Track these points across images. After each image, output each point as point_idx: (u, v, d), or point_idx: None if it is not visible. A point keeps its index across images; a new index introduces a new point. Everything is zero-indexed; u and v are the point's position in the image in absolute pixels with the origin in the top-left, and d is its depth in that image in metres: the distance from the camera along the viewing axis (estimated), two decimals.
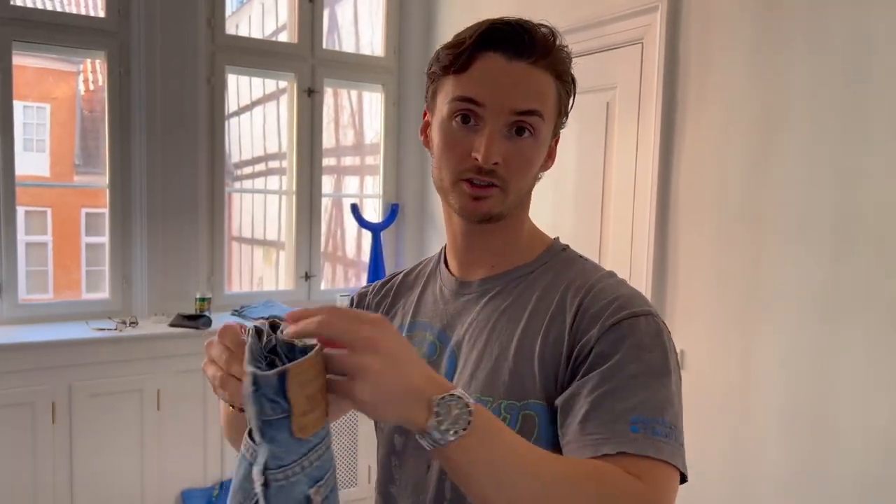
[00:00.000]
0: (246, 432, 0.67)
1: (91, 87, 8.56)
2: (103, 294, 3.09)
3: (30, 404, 2.60)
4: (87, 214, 7.89)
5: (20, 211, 2.89)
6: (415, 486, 0.88)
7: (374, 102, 3.83)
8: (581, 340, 0.78)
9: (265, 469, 0.64)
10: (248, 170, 5.90)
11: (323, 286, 3.59)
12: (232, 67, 3.23)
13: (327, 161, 3.78)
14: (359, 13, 4.10)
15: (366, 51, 3.82)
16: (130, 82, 2.95)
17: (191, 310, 3.00)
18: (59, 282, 7.50)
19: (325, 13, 3.45)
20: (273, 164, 5.35)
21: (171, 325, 2.88)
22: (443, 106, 0.84)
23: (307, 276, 3.46)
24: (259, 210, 5.87)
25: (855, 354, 1.70)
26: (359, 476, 3.21)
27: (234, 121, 5.47)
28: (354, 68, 3.52)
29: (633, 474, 0.66)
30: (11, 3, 2.75)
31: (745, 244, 1.97)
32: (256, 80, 4.79)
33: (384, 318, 0.66)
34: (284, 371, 0.60)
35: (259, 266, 5.82)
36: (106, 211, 3.03)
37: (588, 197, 2.51)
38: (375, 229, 3.53)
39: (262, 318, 0.70)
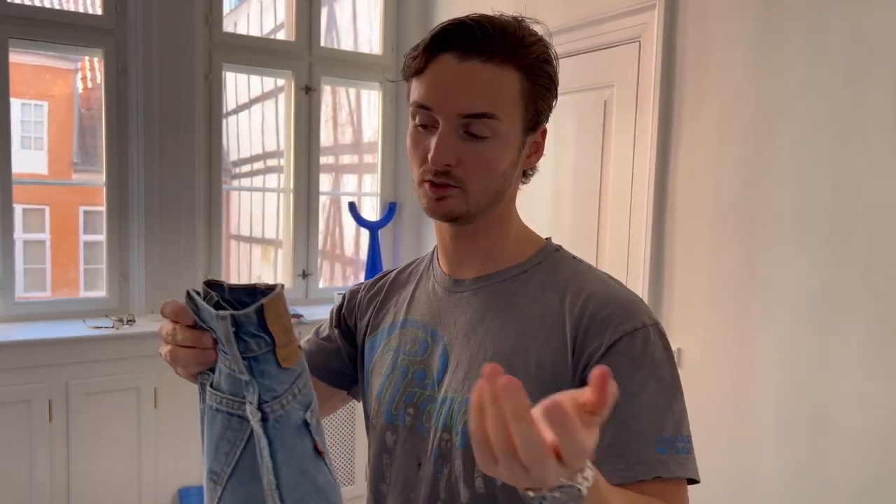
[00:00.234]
0: (207, 383, 0.69)
1: (89, 84, 8.53)
2: (101, 292, 3.08)
3: (26, 402, 2.60)
4: (86, 212, 7.87)
5: (18, 209, 2.88)
6: (405, 484, 0.88)
7: (371, 100, 3.82)
8: (590, 346, 0.79)
9: (260, 404, 0.67)
10: (245, 168, 5.89)
11: (321, 284, 3.59)
12: (229, 65, 3.22)
13: (325, 159, 3.78)
14: (357, 11, 4.08)
15: (364, 49, 3.81)
16: (128, 80, 2.95)
17: None
18: (56, 280, 7.48)
19: (323, 11, 3.44)
20: (271, 162, 5.34)
21: None
22: (410, 110, 0.85)
23: (304, 275, 3.46)
24: (257, 208, 5.86)
25: (852, 353, 1.70)
26: (356, 474, 3.21)
27: (231, 119, 5.45)
28: (352, 66, 3.52)
29: (657, 492, 0.71)
30: (8, 0, 2.74)
31: (742, 243, 1.97)
32: (254, 78, 4.77)
33: None
34: (261, 306, 0.64)
35: (257, 264, 5.81)
36: (103, 209, 3.03)
37: (585, 195, 2.51)
38: (373, 227, 3.53)
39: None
